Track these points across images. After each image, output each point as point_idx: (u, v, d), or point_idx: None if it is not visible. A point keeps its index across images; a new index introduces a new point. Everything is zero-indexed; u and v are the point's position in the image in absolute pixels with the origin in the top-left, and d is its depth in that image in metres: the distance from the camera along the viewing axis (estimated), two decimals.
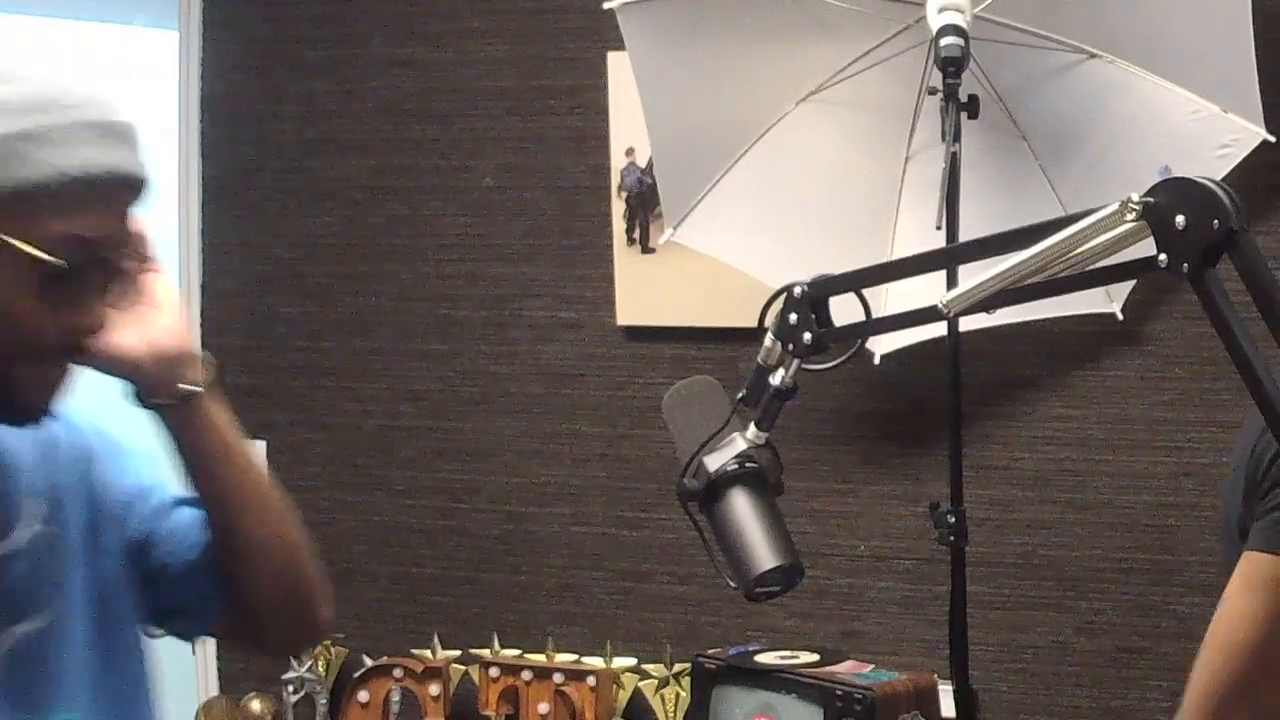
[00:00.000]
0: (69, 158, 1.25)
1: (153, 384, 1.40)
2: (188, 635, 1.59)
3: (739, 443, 1.47)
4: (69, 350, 1.31)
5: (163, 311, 1.41)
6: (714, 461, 1.46)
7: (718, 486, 1.46)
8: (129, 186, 1.32)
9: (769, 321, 1.48)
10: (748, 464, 1.46)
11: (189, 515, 1.52)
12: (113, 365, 1.38)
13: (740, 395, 1.49)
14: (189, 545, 1.51)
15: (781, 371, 1.46)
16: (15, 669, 1.38)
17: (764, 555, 1.43)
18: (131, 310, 1.39)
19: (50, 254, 1.24)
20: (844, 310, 1.48)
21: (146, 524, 1.52)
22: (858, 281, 1.47)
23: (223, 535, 1.49)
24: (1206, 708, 1.63)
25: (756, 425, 1.48)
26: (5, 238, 1.23)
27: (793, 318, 1.45)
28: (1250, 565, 1.60)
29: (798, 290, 1.45)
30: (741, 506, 1.45)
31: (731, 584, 1.46)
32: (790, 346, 1.45)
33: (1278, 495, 1.60)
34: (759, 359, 1.48)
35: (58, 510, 1.46)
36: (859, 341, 1.51)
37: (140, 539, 1.52)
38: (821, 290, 1.45)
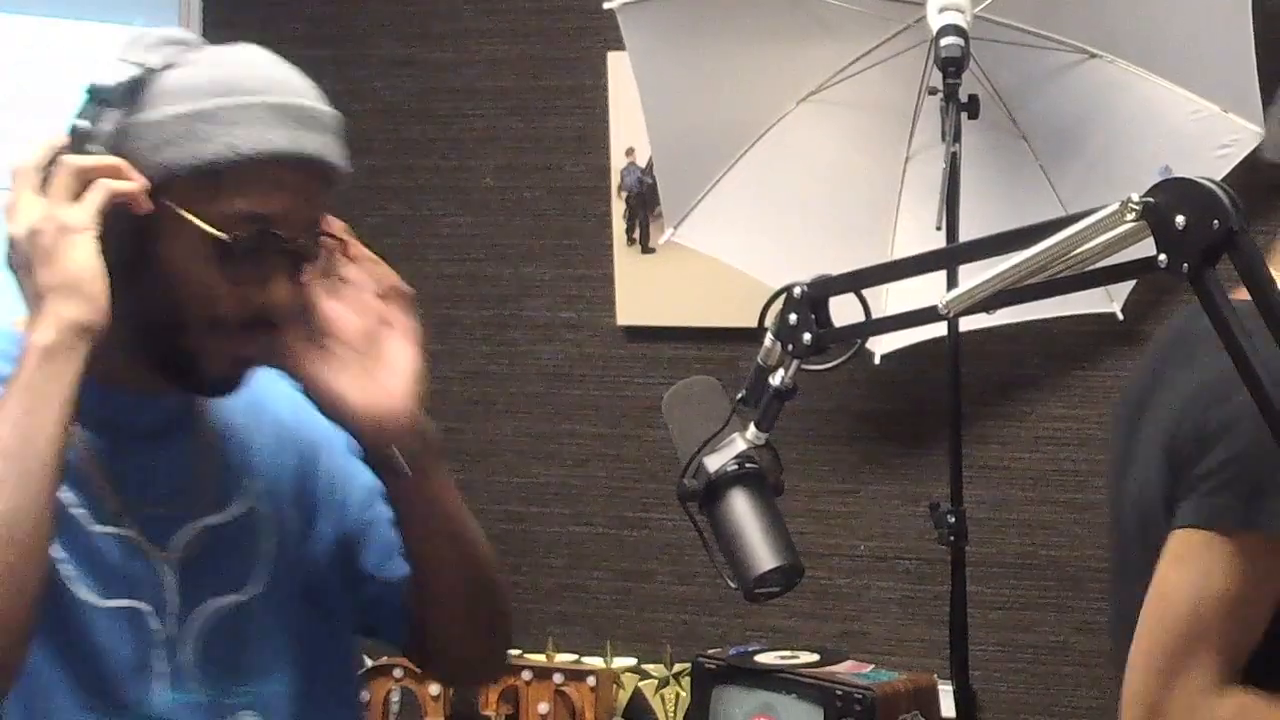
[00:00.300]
0: (243, 137, 1.30)
1: (364, 439, 1.42)
2: (368, 637, 1.62)
3: (739, 443, 1.47)
4: (249, 326, 1.35)
5: (392, 372, 1.42)
6: (714, 462, 1.46)
7: (717, 487, 1.46)
8: (307, 169, 1.36)
9: (769, 322, 1.48)
10: (748, 464, 1.46)
11: (394, 538, 1.54)
12: (326, 404, 1.41)
13: (740, 395, 1.49)
14: (393, 566, 1.54)
15: (781, 372, 1.46)
16: (214, 639, 1.43)
17: (764, 555, 1.43)
18: (362, 360, 1.42)
19: (223, 230, 1.30)
20: (844, 310, 1.48)
21: (361, 525, 1.55)
22: (858, 282, 1.46)
23: (425, 588, 1.51)
24: (1150, 683, 1.61)
25: (756, 425, 1.48)
26: (181, 212, 1.30)
27: (792, 318, 1.45)
28: (1180, 543, 1.56)
29: (798, 290, 1.45)
30: (741, 507, 1.45)
31: (731, 584, 1.45)
32: (790, 347, 1.45)
33: (1205, 472, 1.56)
34: (759, 359, 1.48)
35: (276, 491, 1.50)
36: (859, 342, 1.51)
37: (353, 537, 1.55)
38: (821, 290, 1.45)
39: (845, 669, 2.50)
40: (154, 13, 3.68)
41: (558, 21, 3.07)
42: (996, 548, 2.82)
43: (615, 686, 2.98)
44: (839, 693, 2.38)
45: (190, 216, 1.30)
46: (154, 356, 1.38)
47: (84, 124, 1.31)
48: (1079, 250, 1.26)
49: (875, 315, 1.49)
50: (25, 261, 1.29)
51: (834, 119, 2.64)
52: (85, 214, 1.28)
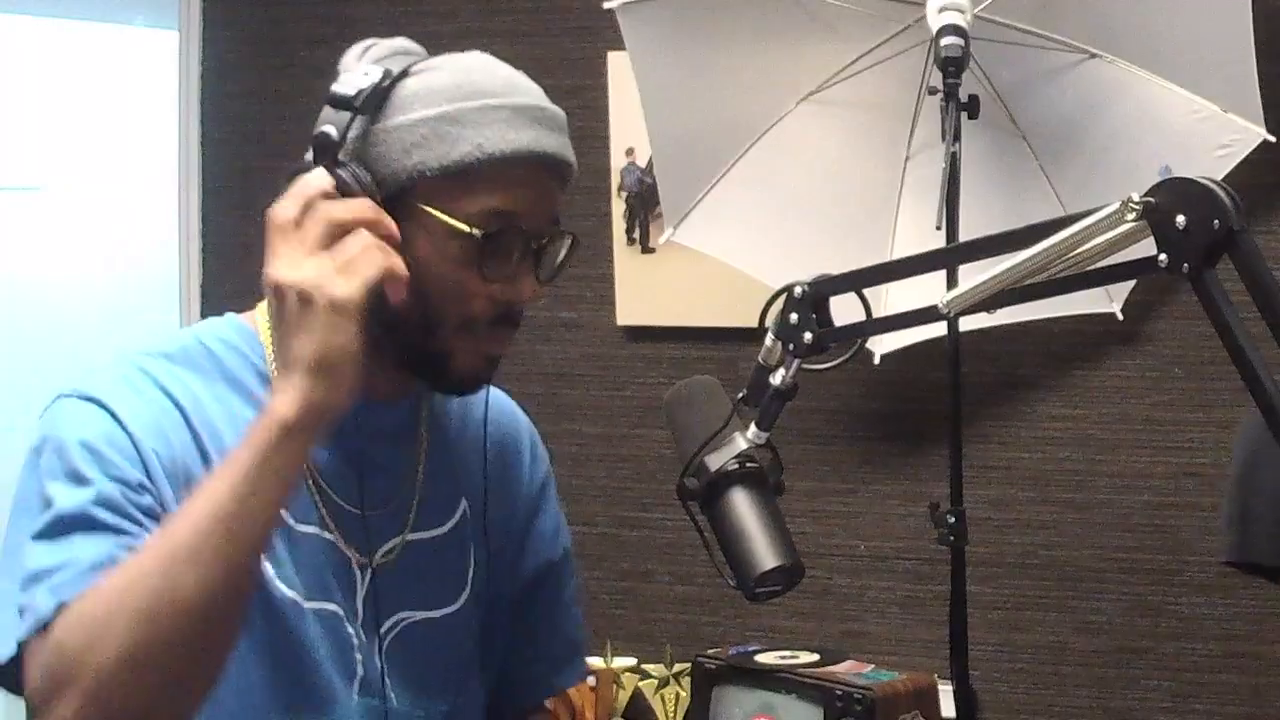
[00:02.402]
0: (487, 137, 1.35)
1: None
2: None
3: (739, 442, 1.47)
4: (497, 323, 1.40)
5: None
6: (714, 461, 1.46)
7: (718, 486, 1.46)
8: (547, 166, 1.41)
9: (769, 321, 1.48)
10: (748, 464, 1.46)
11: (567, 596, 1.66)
12: None
13: (740, 395, 1.49)
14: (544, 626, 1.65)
15: (782, 371, 1.47)
16: (405, 652, 1.46)
17: (764, 555, 1.43)
18: None
19: (471, 226, 1.34)
20: (844, 310, 1.48)
21: (542, 560, 1.64)
22: (858, 281, 1.47)
23: None
24: None
25: (757, 425, 1.48)
26: (432, 211, 1.34)
27: (793, 317, 1.45)
28: None
29: (798, 290, 1.45)
30: (742, 506, 1.45)
31: (732, 584, 1.46)
32: (790, 346, 1.46)
33: None
34: (759, 359, 1.48)
35: (491, 503, 1.55)
36: (859, 341, 1.51)
37: (535, 572, 1.63)
38: (822, 290, 1.45)
39: (845, 669, 2.50)
40: (154, 13, 3.69)
41: (558, 21, 3.07)
42: (996, 548, 2.82)
43: (615, 686, 2.98)
44: (839, 693, 2.38)
45: (442, 215, 1.34)
46: (405, 358, 1.41)
47: (329, 130, 1.34)
48: (1079, 250, 1.27)
49: (875, 315, 1.49)
50: (284, 319, 1.27)
51: (834, 119, 2.64)
52: (357, 292, 1.26)
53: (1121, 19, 2.43)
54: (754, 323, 1.49)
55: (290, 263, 1.27)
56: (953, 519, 2.30)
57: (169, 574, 1.20)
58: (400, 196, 1.34)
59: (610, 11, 2.60)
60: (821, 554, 2.91)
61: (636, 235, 3.02)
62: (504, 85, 1.40)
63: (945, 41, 2.25)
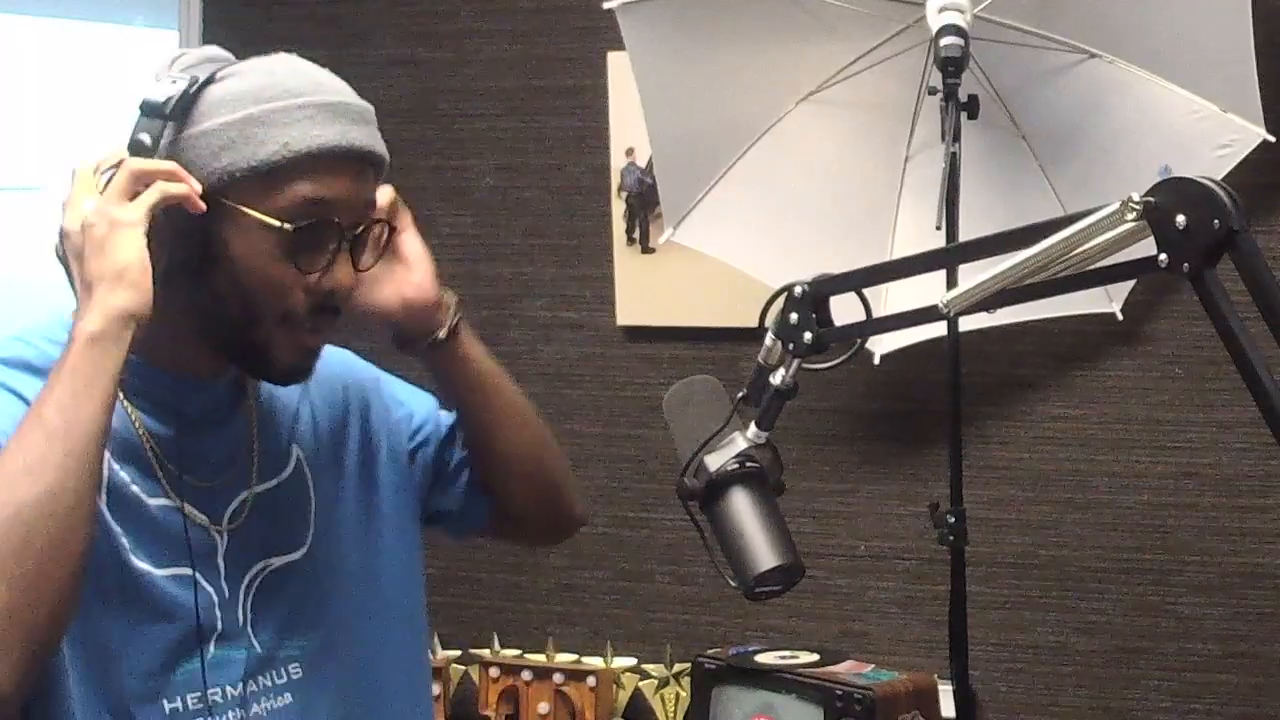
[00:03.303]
0: (296, 136, 1.40)
1: (407, 333, 1.60)
2: (457, 535, 1.80)
3: (739, 442, 1.47)
4: (316, 314, 1.45)
5: (412, 268, 1.58)
6: (714, 461, 1.46)
7: (718, 486, 1.46)
8: (355, 160, 1.45)
9: (769, 321, 1.48)
10: (748, 463, 1.46)
11: (451, 422, 1.73)
12: (371, 319, 1.57)
13: (740, 395, 1.49)
14: (455, 451, 1.73)
15: (782, 371, 1.47)
16: (263, 599, 1.53)
17: (764, 555, 1.43)
18: (385, 268, 1.56)
19: (284, 220, 1.39)
20: (844, 310, 1.48)
21: (418, 436, 1.73)
22: (858, 281, 1.47)
23: (482, 448, 1.70)
24: None
25: (757, 425, 1.48)
26: (244, 209, 1.39)
27: (793, 317, 1.45)
28: None
29: (798, 290, 1.46)
30: (742, 506, 1.45)
31: (732, 584, 1.46)
32: (791, 346, 1.46)
33: None
34: (759, 358, 1.48)
35: (333, 452, 1.64)
36: (859, 341, 1.51)
37: (413, 449, 1.72)
38: (822, 290, 1.45)
39: (845, 669, 2.50)
40: (154, 13, 3.69)
41: (558, 21, 3.07)
42: (996, 548, 2.82)
43: (615, 686, 2.98)
44: (839, 693, 2.38)
45: (253, 212, 1.39)
46: (227, 350, 1.48)
47: (144, 138, 1.40)
48: (1079, 250, 1.27)
49: (875, 315, 1.49)
50: (77, 252, 1.36)
51: (834, 119, 2.64)
52: (137, 211, 1.36)
53: (1121, 19, 2.43)
54: (754, 323, 1.49)
55: (80, 209, 1.38)
56: (952, 519, 2.30)
57: (12, 489, 1.28)
58: (213, 198, 1.39)
59: (610, 11, 2.60)
60: (821, 554, 2.91)
61: (636, 235, 3.01)
62: (309, 84, 1.44)
63: (945, 41, 2.25)
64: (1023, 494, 2.84)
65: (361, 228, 1.47)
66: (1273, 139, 2.41)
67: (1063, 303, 2.33)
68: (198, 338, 1.46)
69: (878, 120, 2.63)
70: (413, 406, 1.75)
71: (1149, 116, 2.46)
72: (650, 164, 2.86)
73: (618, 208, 3.03)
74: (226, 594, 1.51)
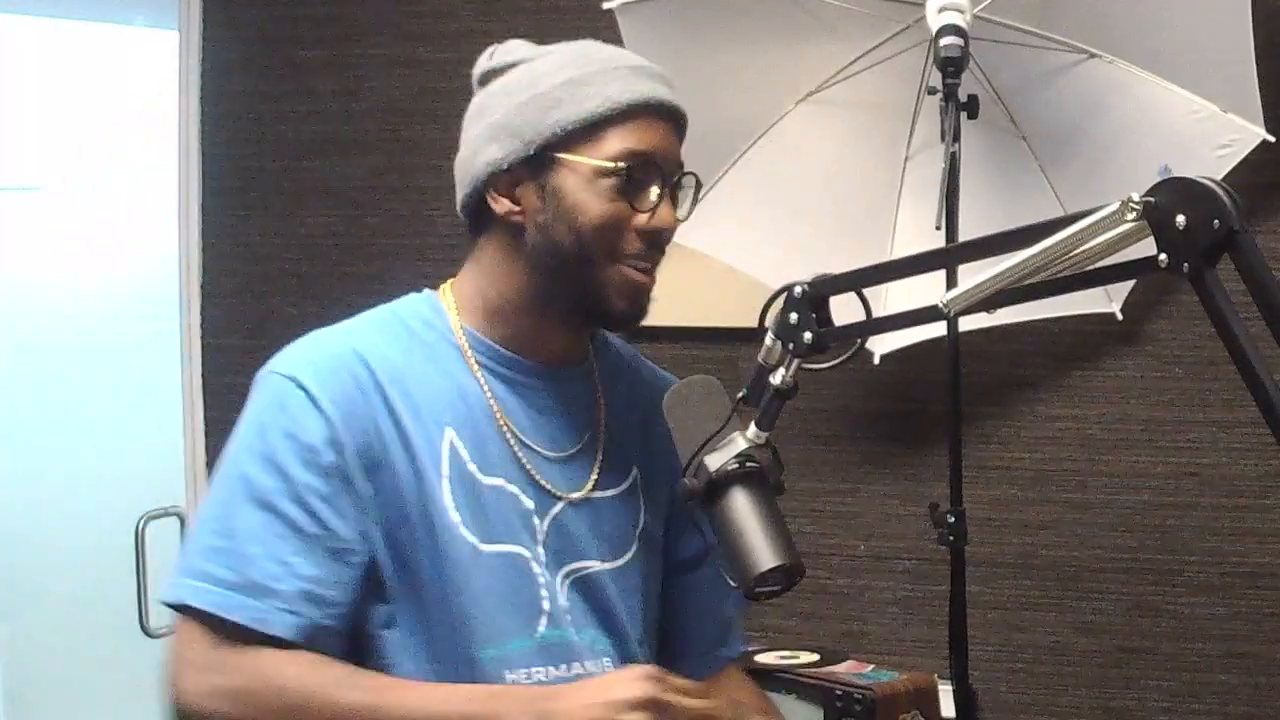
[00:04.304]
0: (614, 89, 1.56)
1: None
2: None
3: (739, 442, 1.47)
4: (643, 252, 1.58)
5: None
6: (715, 461, 1.46)
7: (718, 486, 1.46)
8: (668, 113, 1.60)
9: (769, 321, 1.48)
10: (748, 463, 1.46)
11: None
12: None
13: (741, 395, 1.49)
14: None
15: (782, 371, 1.47)
16: (582, 594, 1.62)
17: (764, 555, 1.43)
18: None
19: (613, 163, 1.54)
20: (844, 310, 1.48)
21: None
22: (858, 281, 1.47)
23: None
24: None
25: (757, 425, 1.48)
26: (576, 158, 1.55)
27: (793, 317, 1.45)
28: None
29: (798, 290, 1.46)
30: (742, 506, 1.45)
31: (732, 584, 1.46)
32: (790, 346, 1.46)
33: None
34: (759, 358, 1.48)
35: (654, 468, 1.70)
36: (859, 341, 1.51)
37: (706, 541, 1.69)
38: (821, 290, 1.45)
39: (845, 669, 2.50)
40: (154, 13, 3.68)
41: (558, 21, 3.06)
42: (996, 548, 2.82)
43: None
44: (839, 693, 2.38)
45: (586, 159, 1.54)
46: (567, 301, 1.58)
47: (497, 157, 1.59)
48: (1079, 250, 1.27)
49: (875, 315, 1.49)
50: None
51: (833, 119, 2.64)
52: None
53: (1121, 19, 2.43)
54: (754, 323, 1.49)
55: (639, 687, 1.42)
56: (952, 519, 2.30)
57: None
58: (547, 154, 1.55)
59: (610, 11, 2.60)
60: (821, 554, 2.91)
61: None
62: (617, 52, 1.64)
63: (945, 41, 2.25)
64: (1023, 494, 2.84)
65: (677, 177, 1.61)
66: (1273, 139, 2.41)
67: (1063, 303, 2.33)
68: (549, 319, 1.61)
69: (878, 120, 2.63)
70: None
71: (1149, 116, 2.46)
72: None
73: None
74: (552, 581, 1.60)
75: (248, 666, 1.46)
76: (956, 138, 2.24)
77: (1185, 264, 1.18)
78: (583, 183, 1.55)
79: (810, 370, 1.47)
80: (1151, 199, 1.20)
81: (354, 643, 1.54)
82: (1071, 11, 2.43)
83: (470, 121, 1.68)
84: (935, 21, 2.28)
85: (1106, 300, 2.66)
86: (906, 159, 2.64)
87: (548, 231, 1.56)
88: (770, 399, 1.46)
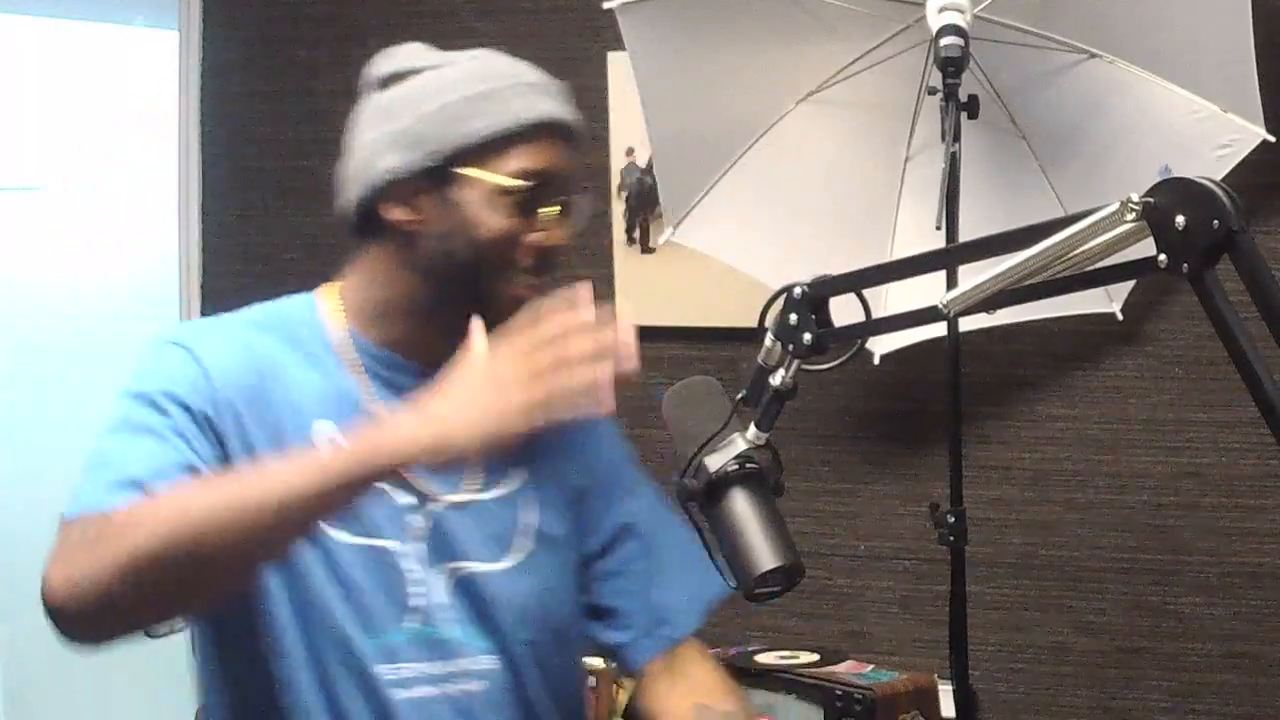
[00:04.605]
0: (519, 108, 1.58)
1: None
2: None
3: (739, 443, 1.47)
4: (538, 266, 1.60)
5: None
6: (714, 462, 1.46)
7: (718, 487, 1.46)
8: (565, 132, 1.63)
9: (769, 322, 1.48)
10: (748, 464, 1.46)
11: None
12: None
13: (740, 395, 1.49)
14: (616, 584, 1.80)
15: (781, 372, 1.47)
16: (462, 594, 1.63)
17: (764, 556, 1.43)
18: None
19: (514, 181, 1.57)
20: (844, 310, 1.48)
21: (625, 510, 1.80)
22: (858, 282, 1.47)
23: None
24: None
25: (756, 425, 1.48)
26: (479, 173, 1.56)
27: (793, 318, 1.45)
28: None
29: (798, 291, 1.46)
30: (741, 507, 1.45)
31: (732, 584, 1.46)
32: (790, 347, 1.46)
33: None
34: (759, 359, 1.48)
35: (552, 471, 1.72)
36: (859, 342, 1.51)
37: (617, 526, 1.78)
38: (821, 290, 1.45)
39: (845, 669, 2.50)
40: (154, 13, 3.69)
41: (558, 21, 3.07)
42: (996, 548, 2.82)
43: (615, 686, 2.98)
44: (839, 693, 2.38)
45: (488, 175, 1.56)
46: (455, 308, 1.56)
47: (396, 165, 1.58)
48: (1079, 250, 1.27)
49: (875, 315, 1.49)
50: (485, 383, 1.40)
51: (834, 119, 2.64)
52: (556, 410, 1.41)
53: (1121, 19, 2.43)
54: (754, 323, 1.49)
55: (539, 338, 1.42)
56: (953, 519, 2.30)
57: (211, 519, 1.36)
58: (448, 168, 1.57)
59: (610, 11, 2.60)
60: (821, 554, 2.91)
61: (636, 235, 3.02)
62: (520, 67, 1.64)
63: (945, 41, 2.25)
64: (1023, 494, 2.84)
65: (572, 195, 1.63)
66: (1273, 139, 2.40)
67: (1063, 303, 2.33)
68: (434, 325, 1.61)
69: (878, 120, 2.63)
70: (634, 506, 1.81)
71: (1149, 116, 2.46)
72: (650, 164, 2.86)
73: (618, 208, 3.03)
74: (424, 578, 1.61)
75: (118, 531, 1.39)
76: (957, 138, 2.24)
77: (1185, 264, 1.18)
78: (483, 198, 1.57)
79: (810, 371, 1.47)
80: (1151, 199, 1.19)
81: (245, 620, 1.57)
82: (1071, 11, 2.43)
83: (366, 124, 1.65)
84: (935, 21, 2.28)
85: (1106, 300, 2.66)
86: (907, 159, 2.64)
87: (444, 242, 1.58)
88: (770, 400, 1.46)
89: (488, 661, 1.65)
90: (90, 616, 1.38)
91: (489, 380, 1.41)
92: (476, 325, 1.46)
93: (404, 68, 1.64)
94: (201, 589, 1.42)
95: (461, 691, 1.63)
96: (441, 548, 1.63)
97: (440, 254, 1.59)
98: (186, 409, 1.52)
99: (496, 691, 1.65)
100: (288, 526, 1.40)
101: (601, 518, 1.78)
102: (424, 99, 1.59)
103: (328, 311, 1.67)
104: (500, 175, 1.57)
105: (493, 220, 1.57)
